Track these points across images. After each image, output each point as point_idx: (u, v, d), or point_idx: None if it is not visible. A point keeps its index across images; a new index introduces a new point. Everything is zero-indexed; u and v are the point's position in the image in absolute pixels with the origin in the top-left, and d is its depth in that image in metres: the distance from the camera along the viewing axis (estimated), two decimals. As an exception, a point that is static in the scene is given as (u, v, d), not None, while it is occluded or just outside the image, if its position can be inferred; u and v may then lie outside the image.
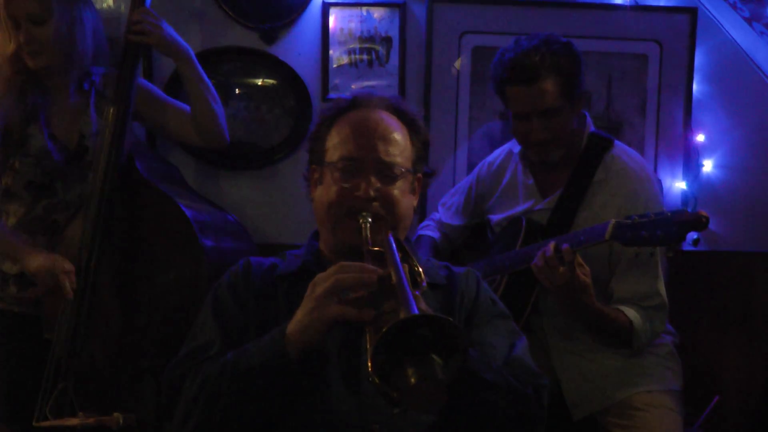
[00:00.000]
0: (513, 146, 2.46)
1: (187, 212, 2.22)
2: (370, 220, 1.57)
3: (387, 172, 1.62)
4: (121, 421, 1.90)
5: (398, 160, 1.64)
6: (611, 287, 2.23)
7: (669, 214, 1.96)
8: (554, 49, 2.16)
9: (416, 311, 1.23)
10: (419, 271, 1.45)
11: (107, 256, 2.21)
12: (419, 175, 1.73)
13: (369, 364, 1.23)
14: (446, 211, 2.63)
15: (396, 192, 1.63)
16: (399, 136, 1.66)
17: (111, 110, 2.25)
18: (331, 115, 1.70)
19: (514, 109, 2.21)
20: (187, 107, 2.46)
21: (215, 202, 2.59)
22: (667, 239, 1.94)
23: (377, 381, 1.23)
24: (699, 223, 1.92)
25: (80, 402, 2.09)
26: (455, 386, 1.26)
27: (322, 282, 1.39)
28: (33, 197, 2.32)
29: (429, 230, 2.61)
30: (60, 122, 2.33)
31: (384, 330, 1.21)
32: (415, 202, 1.72)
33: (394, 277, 1.33)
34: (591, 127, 2.32)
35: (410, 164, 1.68)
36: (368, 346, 1.30)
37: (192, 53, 2.39)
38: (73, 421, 1.94)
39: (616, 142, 2.31)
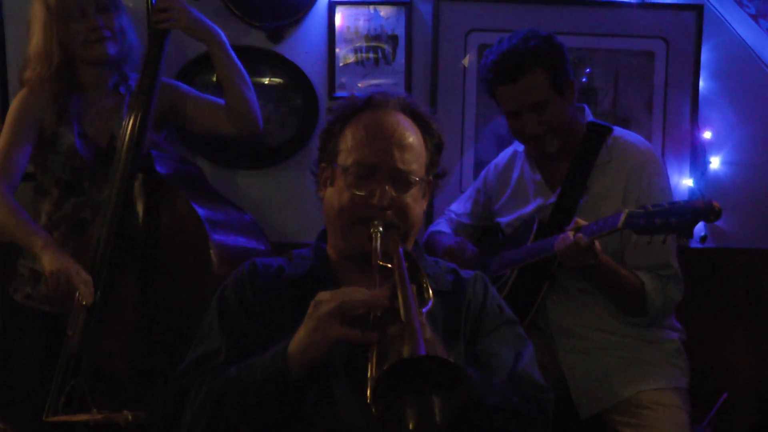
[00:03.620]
0: (517, 146, 2.48)
1: (200, 211, 2.23)
2: (381, 229, 1.55)
3: (402, 180, 1.58)
4: (129, 418, 1.90)
5: (413, 167, 1.60)
6: (625, 259, 2.24)
7: (682, 202, 1.97)
8: (534, 43, 2.20)
9: (422, 351, 1.20)
10: (427, 287, 1.45)
11: (124, 254, 2.22)
12: (431, 178, 1.70)
13: (368, 393, 1.23)
14: (457, 214, 2.64)
15: (409, 200, 1.60)
16: (415, 141, 1.62)
17: (133, 107, 2.26)
18: (346, 114, 1.65)
19: (506, 107, 2.26)
20: (216, 99, 2.47)
21: (232, 202, 2.58)
22: (680, 226, 1.94)
23: (375, 411, 1.22)
24: (712, 212, 1.92)
25: (95, 399, 2.09)
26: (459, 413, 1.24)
27: (326, 302, 1.37)
28: (62, 195, 2.33)
29: (443, 227, 2.62)
30: (93, 122, 2.35)
31: (386, 368, 1.20)
32: (425, 206, 1.69)
33: (402, 307, 1.31)
34: (589, 117, 2.35)
35: (424, 170, 1.65)
36: (370, 370, 1.30)
37: (223, 36, 2.38)
38: (82, 417, 1.94)
39: (616, 127, 2.34)
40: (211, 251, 2.19)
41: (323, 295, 1.39)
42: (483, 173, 2.60)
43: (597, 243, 2.06)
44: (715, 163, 2.87)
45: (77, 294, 2.12)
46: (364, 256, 1.53)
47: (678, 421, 2.19)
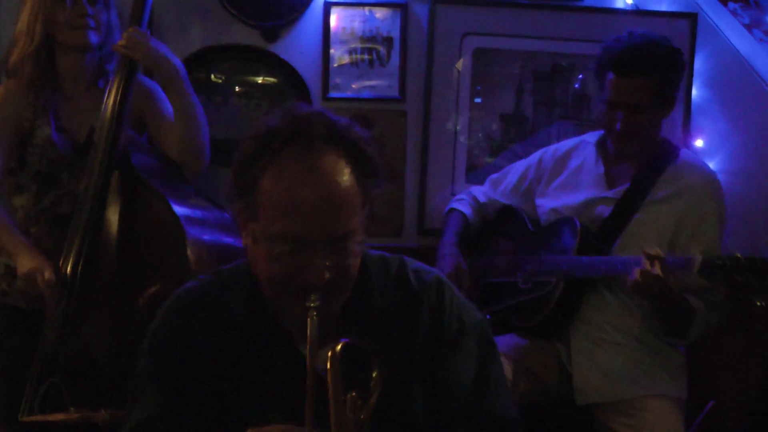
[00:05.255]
0: (587, 137, 2.50)
1: (176, 208, 2.21)
2: (317, 304, 1.34)
3: (338, 243, 1.34)
4: (107, 417, 1.88)
5: (350, 224, 1.35)
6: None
7: (761, 262, 1.99)
8: (662, 51, 2.24)
9: None
10: (376, 382, 1.31)
11: (101, 250, 2.21)
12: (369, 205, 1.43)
13: None
14: (494, 186, 2.62)
15: (351, 260, 1.37)
16: (347, 187, 1.34)
17: (110, 98, 2.26)
18: (264, 150, 1.34)
19: (608, 95, 2.27)
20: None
21: (213, 199, 2.58)
22: (761, 292, 1.99)
23: None
24: None
25: (73, 398, 2.08)
26: None
27: None
28: (39, 188, 2.32)
29: (462, 205, 2.61)
30: (71, 116, 2.35)
31: None
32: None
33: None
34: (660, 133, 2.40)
35: (361, 209, 1.38)
36: None
37: (181, 71, 2.34)
38: (59, 416, 1.92)
39: (683, 150, 2.39)
40: (188, 249, 2.17)
41: None
42: (538, 154, 2.57)
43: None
44: (706, 171, 2.88)
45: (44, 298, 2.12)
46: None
47: (675, 429, 2.20)
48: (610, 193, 2.33)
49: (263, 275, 1.38)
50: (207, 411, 1.40)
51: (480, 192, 2.64)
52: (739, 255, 2.02)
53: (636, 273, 2.07)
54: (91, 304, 2.20)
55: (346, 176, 1.34)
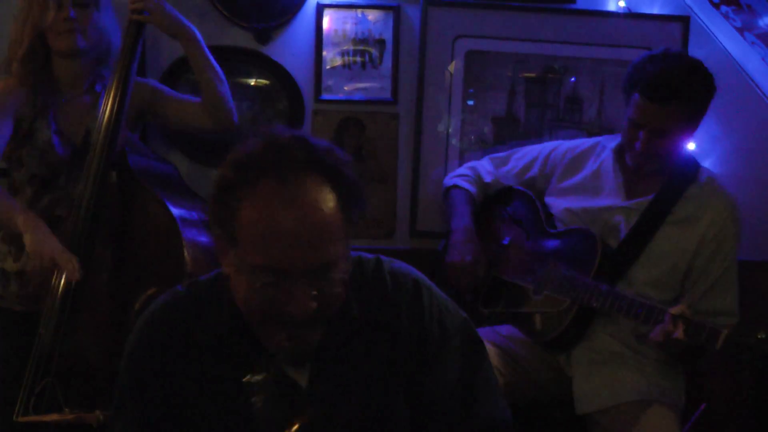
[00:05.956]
0: (604, 141, 2.45)
1: (173, 209, 2.22)
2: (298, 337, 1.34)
3: (322, 271, 1.29)
4: (101, 418, 1.89)
5: (333, 252, 1.29)
6: (688, 294, 2.24)
7: None
8: (698, 78, 2.15)
9: None
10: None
11: (97, 251, 2.21)
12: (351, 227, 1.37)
13: None
14: (497, 167, 2.60)
15: (335, 286, 1.32)
16: (329, 215, 1.29)
17: (108, 98, 2.26)
18: (243, 178, 1.29)
19: (634, 115, 2.19)
20: (192, 98, 2.49)
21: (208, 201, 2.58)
22: None
23: None
24: None
25: (68, 399, 2.08)
26: None
27: None
28: (35, 192, 2.32)
29: (467, 183, 2.58)
30: (68, 119, 2.35)
31: None
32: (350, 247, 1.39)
33: None
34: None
35: (344, 236, 1.32)
36: None
37: (197, 33, 2.39)
38: (54, 417, 1.93)
39: (704, 168, 2.35)
40: (185, 251, 2.18)
41: None
42: (547, 148, 2.55)
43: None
44: (698, 174, 2.88)
45: (54, 278, 2.10)
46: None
47: None
48: (627, 204, 2.30)
49: (244, 305, 1.33)
50: (188, 430, 1.38)
51: (484, 170, 2.61)
52: (763, 337, 1.95)
53: (659, 334, 2.04)
54: (86, 306, 2.20)
55: (327, 204, 1.29)
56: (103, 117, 2.24)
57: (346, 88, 2.81)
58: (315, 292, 1.29)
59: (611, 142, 2.42)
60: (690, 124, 2.21)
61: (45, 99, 2.32)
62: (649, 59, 2.19)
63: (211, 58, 2.42)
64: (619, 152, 2.37)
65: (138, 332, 1.43)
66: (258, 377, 1.37)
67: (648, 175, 2.30)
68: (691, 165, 2.33)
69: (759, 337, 1.95)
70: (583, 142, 2.51)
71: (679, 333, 2.00)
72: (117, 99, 2.25)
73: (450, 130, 2.85)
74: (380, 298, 1.45)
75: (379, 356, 1.43)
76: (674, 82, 2.12)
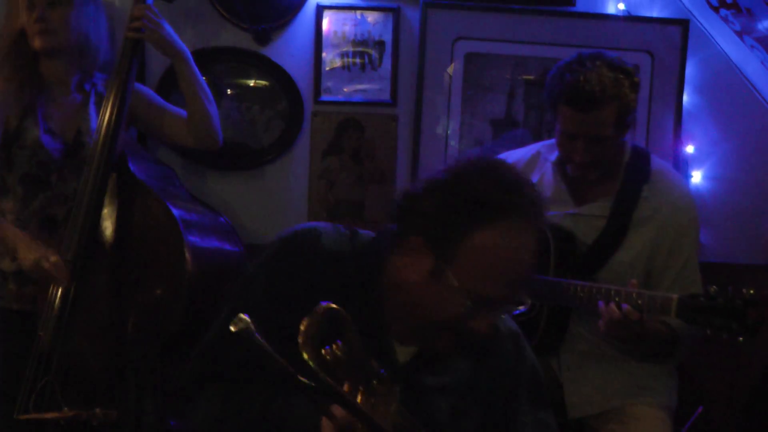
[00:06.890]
0: (543, 150, 2.39)
1: (174, 211, 2.22)
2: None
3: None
4: (101, 416, 1.90)
5: None
6: (651, 284, 2.18)
7: (740, 303, 1.90)
8: (618, 76, 2.08)
9: None
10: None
11: (97, 252, 2.21)
12: None
13: None
14: None
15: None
16: None
17: (107, 106, 2.26)
18: (480, 209, 1.33)
19: (564, 127, 2.14)
20: (181, 111, 2.48)
21: (207, 203, 2.58)
22: (741, 334, 1.90)
23: None
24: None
25: (67, 397, 2.09)
26: None
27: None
28: (27, 192, 2.31)
29: None
30: (58, 117, 2.34)
31: None
32: None
33: None
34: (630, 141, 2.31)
35: None
36: None
37: (189, 54, 2.40)
38: (53, 415, 1.94)
39: (654, 158, 2.29)
40: (186, 251, 2.18)
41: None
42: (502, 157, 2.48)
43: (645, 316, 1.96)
44: (696, 177, 2.89)
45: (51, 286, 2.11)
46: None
47: None
48: (576, 210, 2.25)
49: (422, 312, 1.36)
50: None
51: None
52: (714, 291, 1.91)
53: (602, 324, 1.99)
54: (86, 306, 2.20)
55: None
56: (102, 126, 2.24)
57: (345, 89, 2.81)
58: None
59: (550, 152, 2.34)
60: (624, 121, 2.13)
61: (32, 97, 2.31)
62: (567, 68, 2.11)
63: (200, 77, 2.43)
64: (560, 164, 2.29)
65: (293, 245, 1.49)
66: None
67: (596, 180, 2.23)
68: (640, 159, 2.26)
69: (712, 295, 1.92)
70: (524, 155, 2.43)
71: (629, 314, 1.94)
72: (115, 109, 2.25)
73: (449, 132, 2.85)
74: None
75: (473, 383, 1.50)
76: (597, 86, 2.05)
